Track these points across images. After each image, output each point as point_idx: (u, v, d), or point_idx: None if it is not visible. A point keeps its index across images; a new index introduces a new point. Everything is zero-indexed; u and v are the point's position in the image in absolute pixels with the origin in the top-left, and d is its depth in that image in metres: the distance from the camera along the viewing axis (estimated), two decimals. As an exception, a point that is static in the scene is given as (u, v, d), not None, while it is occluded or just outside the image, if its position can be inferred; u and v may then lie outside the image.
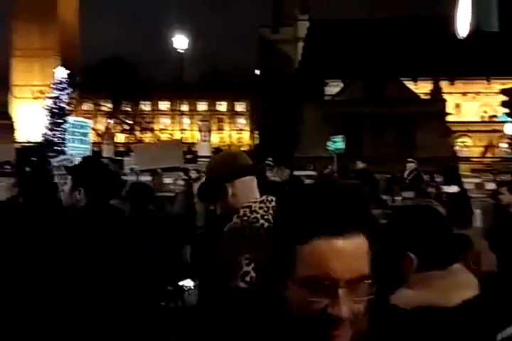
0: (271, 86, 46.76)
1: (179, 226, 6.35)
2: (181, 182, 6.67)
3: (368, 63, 33.40)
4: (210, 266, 2.39)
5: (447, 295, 1.33)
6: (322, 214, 0.76)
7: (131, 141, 45.88)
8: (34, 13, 57.85)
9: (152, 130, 52.44)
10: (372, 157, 14.86)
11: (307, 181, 10.60)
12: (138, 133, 50.20)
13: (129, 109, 51.96)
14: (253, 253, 1.59)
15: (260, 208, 1.72)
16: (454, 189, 5.64)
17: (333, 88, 37.21)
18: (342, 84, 36.92)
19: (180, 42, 31.59)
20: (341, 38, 41.91)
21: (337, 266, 0.75)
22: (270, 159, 11.19)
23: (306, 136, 28.76)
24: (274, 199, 1.76)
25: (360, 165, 9.45)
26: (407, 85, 35.31)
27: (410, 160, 8.96)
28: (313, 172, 12.83)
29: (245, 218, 1.70)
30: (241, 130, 60.06)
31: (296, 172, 10.84)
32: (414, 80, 39.59)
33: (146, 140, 46.71)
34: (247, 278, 1.60)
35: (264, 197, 1.76)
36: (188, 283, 4.68)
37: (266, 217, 1.70)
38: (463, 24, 40.30)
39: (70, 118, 5.36)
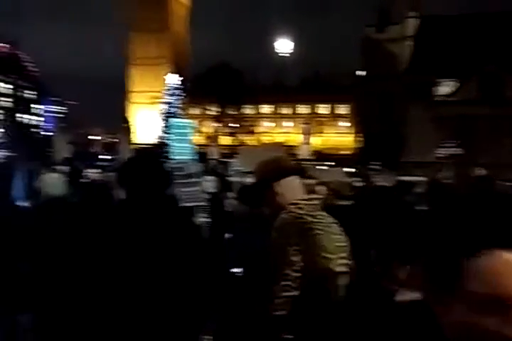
0: (376, 87, 45.20)
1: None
2: None
3: (483, 60, 30.71)
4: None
5: None
6: (502, 225, 0.68)
7: (235, 144, 47.53)
8: (149, 25, 62.76)
9: (255, 133, 53.79)
10: (490, 163, 13.58)
11: (417, 188, 10.02)
12: (242, 136, 51.84)
13: (234, 113, 53.88)
14: (300, 245, 1.73)
15: (306, 205, 1.86)
16: None
17: (445, 88, 34.80)
18: (455, 84, 34.41)
19: (283, 46, 31.96)
20: (454, 35, 39.03)
21: None
22: (375, 163, 10.79)
23: (414, 139, 27.26)
24: (317, 197, 1.94)
25: (481, 171, 8.72)
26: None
27: None
28: (422, 178, 12.07)
29: (293, 214, 1.83)
30: (343, 133, 58.96)
31: (402, 178, 10.29)
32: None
33: (249, 142, 48.04)
34: (295, 267, 1.72)
35: (309, 196, 1.91)
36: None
37: (311, 213, 1.84)
38: None
39: (172, 120, 5.65)
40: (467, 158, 11.05)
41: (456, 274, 0.70)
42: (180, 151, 5.30)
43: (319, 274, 1.76)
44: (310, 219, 1.83)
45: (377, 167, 9.93)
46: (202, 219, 4.37)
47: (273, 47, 34.78)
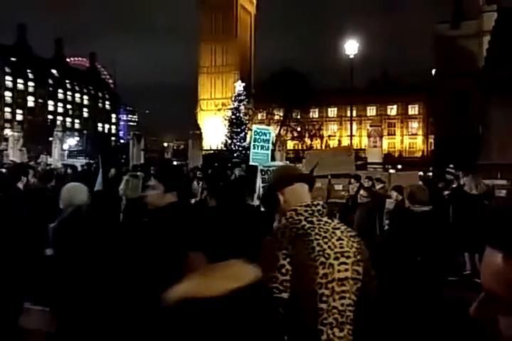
0: (449, 85, 42.99)
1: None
2: (363, 193, 6.54)
3: None
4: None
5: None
6: None
7: (300, 148, 47.31)
8: (217, 35, 64.50)
9: (321, 136, 53.21)
10: None
11: (498, 192, 9.30)
12: (307, 140, 51.51)
13: (299, 117, 53.74)
14: (290, 249, 1.80)
15: (305, 211, 1.92)
16: None
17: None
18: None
19: (351, 47, 31.36)
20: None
21: None
22: (451, 166, 10.20)
23: (494, 139, 25.46)
24: (320, 203, 1.97)
25: None
26: None
27: None
28: (504, 182, 11.22)
29: (290, 219, 1.91)
30: (414, 134, 56.65)
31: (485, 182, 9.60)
32: None
33: (315, 146, 47.60)
34: (283, 270, 1.80)
35: (310, 202, 1.96)
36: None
37: (309, 219, 1.90)
38: None
39: (254, 126, 5.68)
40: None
41: None
42: (260, 158, 5.35)
43: (311, 279, 1.79)
44: (308, 225, 1.88)
45: (454, 170, 9.31)
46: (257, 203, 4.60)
47: (340, 49, 34.32)
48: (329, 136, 55.98)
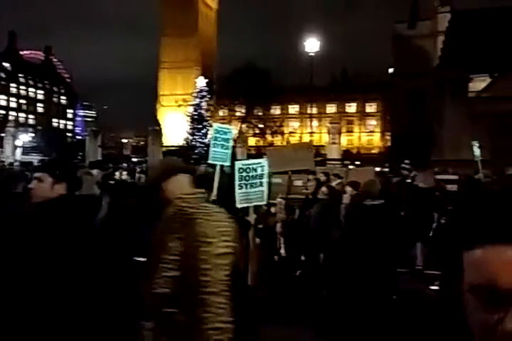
0: (406, 84, 44.34)
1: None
2: (324, 190, 6.62)
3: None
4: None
5: None
6: (498, 220, 0.69)
7: (262, 144, 47.53)
8: (178, 29, 63.57)
9: (282, 133, 53.61)
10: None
11: (450, 186, 9.70)
12: (268, 137, 51.76)
13: (261, 114, 53.90)
14: (181, 233, 2.05)
15: (190, 199, 2.17)
16: None
17: (479, 84, 33.74)
18: (489, 79, 33.30)
19: (311, 45, 31.69)
20: (487, 29, 37.84)
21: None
22: (406, 162, 10.52)
23: (447, 137, 26.51)
24: (201, 191, 2.26)
25: (511, 171, 8.33)
26: None
27: None
28: (455, 177, 11.70)
29: (178, 207, 2.15)
30: (371, 132, 58.08)
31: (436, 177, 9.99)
32: None
33: (276, 143, 47.94)
34: (173, 251, 2.04)
35: (195, 190, 2.22)
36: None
37: (193, 205, 2.15)
38: None
39: (215, 125, 5.63)
40: (502, 156, 10.65)
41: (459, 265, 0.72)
42: (219, 157, 5.30)
43: (196, 256, 2.05)
44: (192, 210, 2.14)
45: (409, 166, 9.64)
46: (253, 219, 4.47)
47: (301, 47, 34.65)
48: (290, 133, 56.50)
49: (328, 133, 22.44)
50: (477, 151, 10.84)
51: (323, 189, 6.57)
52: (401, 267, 6.07)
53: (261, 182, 4.44)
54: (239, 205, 4.41)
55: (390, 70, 49.69)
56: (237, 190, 4.45)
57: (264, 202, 4.57)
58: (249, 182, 4.42)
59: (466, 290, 0.71)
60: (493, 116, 25.70)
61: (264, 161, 4.64)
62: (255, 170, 4.46)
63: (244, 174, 4.44)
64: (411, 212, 6.89)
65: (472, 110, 26.73)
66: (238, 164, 4.59)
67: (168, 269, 2.03)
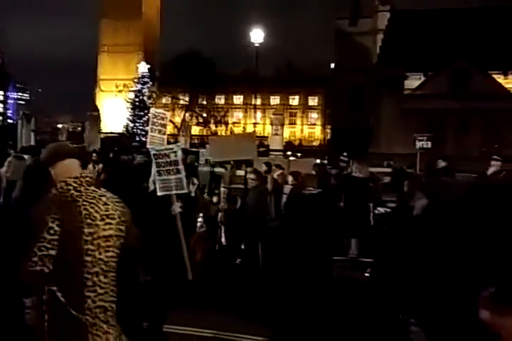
0: (346, 79, 45.64)
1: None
2: (252, 176, 6.65)
3: (452, 55, 31.38)
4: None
5: None
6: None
7: (205, 134, 47.16)
8: (120, 12, 61.10)
9: (226, 123, 53.45)
10: (456, 155, 13.93)
11: (384, 178, 10.20)
12: (212, 126, 51.42)
13: (205, 103, 53.35)
14: (60, 214, 2.12)
15: (74, 182, 2.24)
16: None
17: (414, 82, 35.44)
18: (423, 78, 35.06)
19: (257, 36, 31.74)
20: (424, 29, 39.69)
21: None
22: (345, 154, 10.90)
23: (383, 131, 27.72)
24: (89, 175, 2.33)
25: (442, 163, 8.89)
26: (496, 79, 32.75)
27: (495, 157, 8.00)
28: (389, 170, 12.30)
29: (60, 189, 2.23)
30: (313, 124, 59.43)
31: (371, 169, 10.45)
32: (505, 74, 36.59)
33: (220, 133, 47.77)
34: (51, 231, 2.09)
35: (79, 174, 2.28)
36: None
37: (78, 188, 2.23)
38: None
39: (152, 109, 5.53)
40: (435, 151, 11.35)
41: None
42: (156, 142, 5.19)
43: (78, 237, 2.13)
44: (75, 193, 2.21)
45: (347, 158, 10.01)
46: (178, 208, 4.26)
47: (246, 37, 34.59)
48: (234, 123, 56.47)
49: (272, 124, 22.66)
50: (418, 144, 11.41)
51: (251, 175, 6.59)
52: (337, 255, 6.33)
53: (177, 170, 4.30)
54: (159, 193, 4.28)
55: (332, 65, 50.89)
56: (156, 177, 4.33)
57: (185, 191, 4.38)
58: (165, 168, 4.30)
59: None
60: (426, 112, 27.15)
61: (176, 147, 4.46)
62: (168, 156, 4.32)
63: (159, 160, 4.32)
64: (349, 202, 7.18)
65: (407, 106, 28.10)
66: (152, 150, 4.47)
67: (45, 248, 2.07)
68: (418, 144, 11.31)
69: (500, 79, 33.90)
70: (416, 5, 44.11)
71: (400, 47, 38.61)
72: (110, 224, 2.22)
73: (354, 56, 46.00)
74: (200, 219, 6.15)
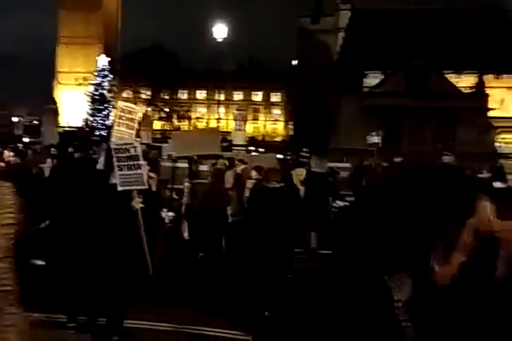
0: (308, 77, 46.23)
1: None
2: (212, 170, 6.74)
3: (410, 55, 32.41)
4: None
5: None
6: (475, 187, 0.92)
7: (168, 129, 46.59)
8: (80, 3, 59.18)
9: (189, 118, 52.99)
10: (411, 151, 14.51)
11: (344, 173, 10.49)
12: (175, 121, 50.86)
13: (168, 97, 52.63)
14: None
15: None
16: (498, 185, 5.45)
17: (373, 80, 36.38)
18: (382, 76, 36.05)
19: (220, 31, 31.60)
20: (384, 29, 40.75)
21: None
22: (305, 150, 11.11)
23: (343, 128, 28.36)
24: None
25: (397, 159, 9.32)
26: (450, 78, 34.10)
27: (446, 153, 8.48)
28: (348, 165, 12.66)
29: None
30: (276, 120, 59.87)
31: (330, 164, 10.71)
32: (458, 73, 38.17)
33: (183, 128, 47.31)
34: None
35: None
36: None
37: None
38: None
39: (120, 103, 5.47)
40: (391, 147, 11.78)
41: None
42: (121, 136, 5.14)
43: None
44: None
45: (306, 154, 10.23)
46: (138, 203, 4.27)
47: (209, 32, 34.32)
48: (197, 118, 56.05)
49: (235, 120, 22.77)
50: (373, 140, 11.82)
51: (211, 170, 6.66)
52: (297, 247, 6.51)
53: (138, 165, 4.29)
54: (120, 188, 4.26)
55: (294, 62, 51.38)
56: (116, 172, 4.31)
57: (145, 186, 4.36)
58: (126, 163, 4.30)
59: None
60: (383, 109, 27.96)
61: (136, 142, 4.52)
62: (128, 150, 4.31)
63: (120, 155, 4.31)
64: (309, 196, 7.39)
65: (366, 103, 28.85)
66: (112, 144, 4.48)
67: None
68: (370, 140, 11.76)
69: (452, 78, 35.36)
70: (377, 4, 45.17)
71: (360, 45, 39.50)
72: (10, 213, 2.36)
73: (316, 53, 46.64)
74: (170, 214, 6.14)
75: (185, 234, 7.24)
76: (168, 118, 50.92)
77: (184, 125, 50.42)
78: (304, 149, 11.23)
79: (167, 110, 51.42)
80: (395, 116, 27.92)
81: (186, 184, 7.66)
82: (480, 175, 7.88)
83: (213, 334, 4.45)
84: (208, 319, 4.67)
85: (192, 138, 9.13)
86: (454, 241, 1.56)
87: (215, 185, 6.41)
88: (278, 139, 54.62)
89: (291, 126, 52.20)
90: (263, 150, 25.13)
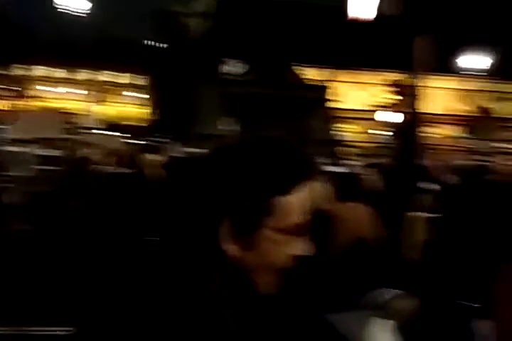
0: (170, 60, 45.27)
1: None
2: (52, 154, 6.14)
3: (270, 45, 33.80)
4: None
5: None
6: (298, 162, 0.89)
7: (2, 108, 41.35)
8: None
9: (28, 97, 47.70)
10: (259, 135, 15.06)
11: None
12: (11, 100, 45.33)
13: (1, 73, 46.59)
14: None
15: None
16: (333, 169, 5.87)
17: (234, 68, 37.09)
18: (244, 65, 36.95)
19: (73, 3, 28.82)
20: (249, 17, 41.58)
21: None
22: (164, 135, 10.92)
23: (203, 113, 28.50)
24: None
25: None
26: (301, 70, 36.46)
27: None
28: (206, 150, 12.64)
29: None
30: (133, 104, 57.67)
31: (189, 150, 10.61)
32: (310, 66, 41.08)
33: (19, 108, 42.37)
34: None
35: None
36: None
37: None
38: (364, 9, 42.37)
39: None
40: (246, 135, 12.09)
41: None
42: None
43: None
44: None
45: (165, 139, 10.10)
46: None
47: (62, 4, 30.83)
48: (38, 97, 50.75)
49: (85, 101, 21.10)
50: (230, 126, 11.99)
51: (51, 154, 6.15)
52: (149, 236, 6.20)
53: None
54: None
55: (152, 43, 49.76)
56: None
57: None
58: None
59: (275, 231, 0.86)
60: (243, 97, 28.76)
61: None
62: None
63: None
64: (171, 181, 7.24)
65: (225, 90, 29.33)
66: None
67: None
68: (227, 126, 12.09)
69: (303, 71, 37.96)
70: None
71: (223, 32, 39.78)
72: None
73: (178, 37, 45.75)
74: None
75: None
76: (1, 96, 45.12)
77: (21, 105, 45.21)
78: (162, 135, 11.01)
79: (0, 87, 45.50)
80: (251, 104, 28.85)
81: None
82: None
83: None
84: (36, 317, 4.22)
85: (30, 120, 8.59)
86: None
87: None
88: (135, 123, 52.62)
89: (154, 111, 50.81)
90: (117, 133, 23.87)
